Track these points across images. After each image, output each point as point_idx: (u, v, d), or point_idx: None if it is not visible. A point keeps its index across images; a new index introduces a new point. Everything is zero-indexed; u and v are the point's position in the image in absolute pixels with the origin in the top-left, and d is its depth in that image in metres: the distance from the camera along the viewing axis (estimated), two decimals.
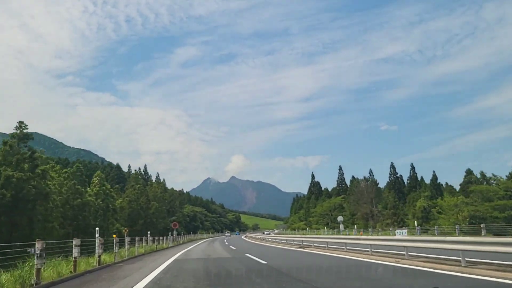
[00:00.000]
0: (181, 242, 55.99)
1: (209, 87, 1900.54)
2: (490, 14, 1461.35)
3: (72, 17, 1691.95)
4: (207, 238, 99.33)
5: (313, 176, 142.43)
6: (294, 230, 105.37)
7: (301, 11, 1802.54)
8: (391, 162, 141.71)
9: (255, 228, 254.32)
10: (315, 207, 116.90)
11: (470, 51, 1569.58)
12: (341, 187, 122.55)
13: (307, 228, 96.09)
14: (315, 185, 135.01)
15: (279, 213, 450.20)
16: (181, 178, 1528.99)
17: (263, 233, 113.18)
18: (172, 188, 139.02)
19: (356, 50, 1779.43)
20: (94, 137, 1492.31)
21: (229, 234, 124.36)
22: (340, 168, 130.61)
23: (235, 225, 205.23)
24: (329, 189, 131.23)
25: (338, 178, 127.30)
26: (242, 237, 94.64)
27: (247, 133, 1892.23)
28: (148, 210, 72.67)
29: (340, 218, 57.95)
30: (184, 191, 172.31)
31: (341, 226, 55.08)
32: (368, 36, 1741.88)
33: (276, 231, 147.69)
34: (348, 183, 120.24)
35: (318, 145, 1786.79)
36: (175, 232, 50.73)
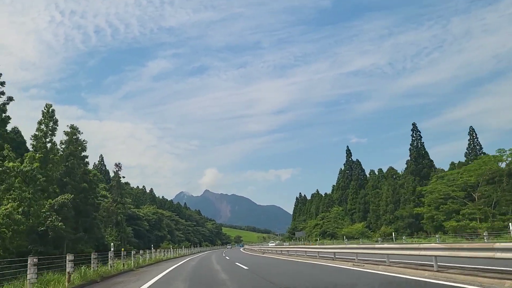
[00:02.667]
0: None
1: (180, 100, 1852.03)
2: (456, 27, 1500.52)
3: (38, 28, 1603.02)
4: (181, 256, 55.21)
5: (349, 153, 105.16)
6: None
7: (272, 24, 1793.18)
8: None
9: (238, 241, 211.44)
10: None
11: (438, 64, 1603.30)
12: None
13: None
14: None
15: (257, 226, 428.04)
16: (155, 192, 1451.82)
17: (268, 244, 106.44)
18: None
19: (326, 63, 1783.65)
20: None
21: (230, 247, 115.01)
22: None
23: (216, 237, 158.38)
24: None
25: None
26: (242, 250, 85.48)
27: (219, 146, 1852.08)
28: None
29: None
30: (147, 190, 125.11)
31: None
32: (339, 49, 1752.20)
33: (275, 243, 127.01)
34: None
35: (290, 158, 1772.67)
36: None
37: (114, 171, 60.79)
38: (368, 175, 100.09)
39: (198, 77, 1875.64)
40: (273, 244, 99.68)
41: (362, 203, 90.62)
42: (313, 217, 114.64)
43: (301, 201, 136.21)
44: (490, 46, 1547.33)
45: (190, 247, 53.43)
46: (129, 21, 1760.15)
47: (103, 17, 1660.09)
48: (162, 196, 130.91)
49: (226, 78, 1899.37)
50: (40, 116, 32.47)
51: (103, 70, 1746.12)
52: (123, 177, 59.71)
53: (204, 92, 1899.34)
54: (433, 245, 11.83)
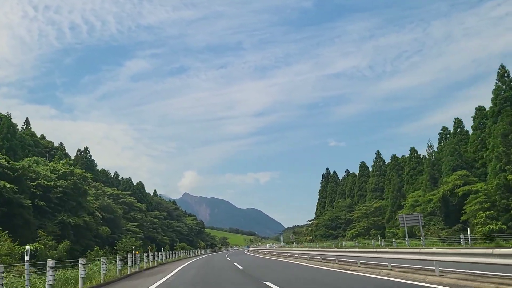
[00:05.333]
0: None
1: (159, 101, 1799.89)
2: (437, 31, 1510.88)
3: (11, 23, 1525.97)
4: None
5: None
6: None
7: (254, 24, 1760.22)
8: None
9: (224, 243, 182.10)
10: None
11: (418, 67, 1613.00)
12: None
13: None
14: None
15: (239, 229, 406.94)
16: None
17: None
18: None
19: (308, 64, 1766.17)
20: None
21: (236, 248, 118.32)
22: None
23: (197, 236, 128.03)
24: None
25: None
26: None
27: (199, 148, 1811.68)
28: None
29: None
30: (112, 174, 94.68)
31: None
32: (321, 51, 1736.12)
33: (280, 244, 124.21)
34: None
35: (269, 161, 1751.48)
36: None
37: None
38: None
39: (177, 77, 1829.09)
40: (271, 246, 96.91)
41: None
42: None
43: (331, 180, 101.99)
44: (469, 50, 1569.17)
45: (148, 253, 29.80)
46: (105, 18, 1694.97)
47: (79, 13, 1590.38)
48: (129, 178, 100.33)
49: (206, 79, 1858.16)
50: None
51: (79, 69, 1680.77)
52: None
53: (184, 92, 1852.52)
54: None
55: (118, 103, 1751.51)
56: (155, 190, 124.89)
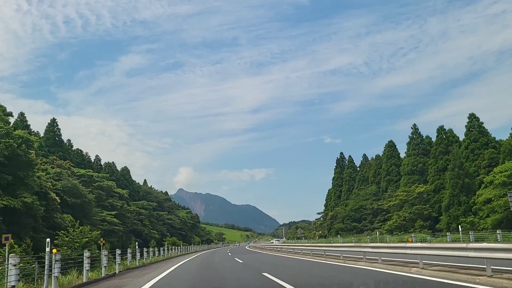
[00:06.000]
0: None
1: (154, 96, 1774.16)
2: (433, 28, 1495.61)
3: (4, 16, 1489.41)
4: None
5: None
6: None
7: (250, 19, 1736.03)
8: None
9: (221, 239, 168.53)
10: None
11: (414, 64, 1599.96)
12: None
13: None
14: None
15: (235, 225, 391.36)
16: None
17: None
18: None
19: (304, 61, 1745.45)
20: None
21: (238, 244, 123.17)
22: None
23: (192, 231, 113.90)
24: None
25: None
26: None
27: (194, 144, 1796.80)
28: None
29: None
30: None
31: None
32: (317, 47, 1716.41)
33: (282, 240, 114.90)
34: None
35: (264, 158, 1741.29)
36: None
37: None
38: None
39: (173, 73, 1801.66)
40: (278, 242, 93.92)
41: None
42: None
43: (348, 166, 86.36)
44: (465, 48, 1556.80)
45: (101, 248, 19.09)
46: (100, 12, 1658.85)
47: (73, 7, 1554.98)
48: (112, 162, 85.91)
49: (201, 74, 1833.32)
50: None
51: (74, 64, 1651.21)
52: None
53: (179, 88, 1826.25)
54: None
55: (113, 98, 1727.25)
56: (145, 180, 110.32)
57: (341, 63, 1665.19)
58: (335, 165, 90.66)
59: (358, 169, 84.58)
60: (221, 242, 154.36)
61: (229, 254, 40.61)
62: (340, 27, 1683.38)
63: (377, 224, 60.61)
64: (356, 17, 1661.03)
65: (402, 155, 64.56)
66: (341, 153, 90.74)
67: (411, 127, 59.49)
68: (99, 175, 61.38)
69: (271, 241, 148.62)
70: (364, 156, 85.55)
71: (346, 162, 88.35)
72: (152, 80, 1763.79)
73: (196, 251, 71.87)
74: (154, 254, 36.93)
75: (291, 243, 65.83)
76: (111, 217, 51.48)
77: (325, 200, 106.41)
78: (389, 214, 53.24)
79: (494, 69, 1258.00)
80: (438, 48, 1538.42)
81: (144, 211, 74.27)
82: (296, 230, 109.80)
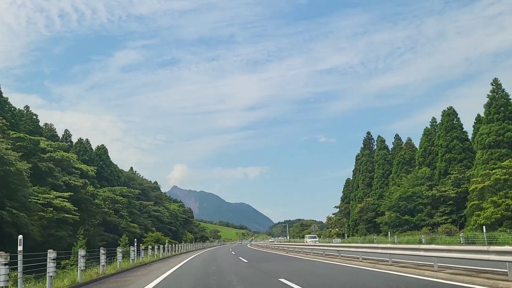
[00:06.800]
0: None
1: (149, 93, 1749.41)
2: (430, 28, 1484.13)
3: None
4: None
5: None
6: None
7: (247, 16, 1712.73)
8: None
9: (216, 236, 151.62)
10: None
11: (410, 65, 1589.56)
12: None
13: None
14: None
15: (229, 222, 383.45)
16: None
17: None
18: None
19: (300, 59, 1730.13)
20: None
21: (240, 242, 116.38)
22: None
23: (184, 227, 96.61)
24: None
25: None
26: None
27: (189, 141, 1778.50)
28: None
29: None
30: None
31: None
32: (313, 46, 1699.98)
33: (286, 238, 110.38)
34: None
35: (259, 155, 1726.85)
36: None
37: None
38: None
39: (168, 69, 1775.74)
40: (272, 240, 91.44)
41: None
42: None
43: (381, 147, 68.07)
44: (462, 49, 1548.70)
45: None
46: (96, 6, 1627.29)
47: (68, 1, 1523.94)
48: (87, 139, 68.47)
49: (197, 71, 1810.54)
50: None
51: (68, 59, 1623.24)
52: None
53: (174, 85, 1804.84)
54: None
55: (108, 94, 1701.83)
56: (131, 167, 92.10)
57: (338, 62, 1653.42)
58: (362, 146, 73.91)
59: (391, 151, 68.17)
60: (217, 240, 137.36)
61: (244, 261, 23.91)
62: (337, 26, 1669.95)
63: (439, 218, 43.99)
64: (353, 16, 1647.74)
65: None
66: (368, 133, 74.17)
67: (491, 83, 42.76)
68: (53, 143, 44.10)
69: (271, 239, 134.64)
70: (397, 137, 68.93)
71: (375, 142, 71.69)
72: (147, 76, 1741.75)
73: (187, 251, 54.88)
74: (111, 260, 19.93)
75: (323, 242, 49.67)
76: (61, 201, 34.20)
77: (342, 192, 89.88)
78: (474, 202, 36.18)
79: (490, 70, 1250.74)
80: (435, 49, 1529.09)
81: (122, 198, 57.04)
82: (310, 227, 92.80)
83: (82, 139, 67.00)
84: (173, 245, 47.84)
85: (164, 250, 39.01)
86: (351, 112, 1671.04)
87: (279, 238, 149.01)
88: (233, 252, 39.75)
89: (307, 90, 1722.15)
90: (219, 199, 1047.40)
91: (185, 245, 60.82)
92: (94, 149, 69.23)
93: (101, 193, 55.12)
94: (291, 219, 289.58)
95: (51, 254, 11.76)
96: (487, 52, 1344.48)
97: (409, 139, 64.01)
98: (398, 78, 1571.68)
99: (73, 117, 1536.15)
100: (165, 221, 76.50)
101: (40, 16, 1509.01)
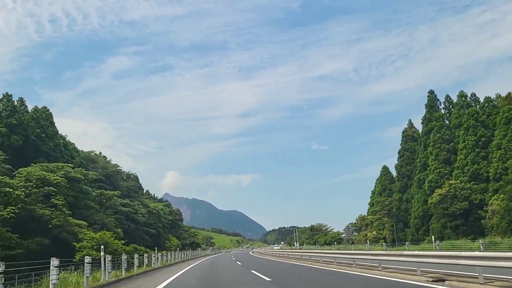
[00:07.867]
0: None
1: (141, 99, 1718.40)
2: (423, 36, 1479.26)
3: None
4: None
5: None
6: None
7: (240, 23, 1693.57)
8: None
9: (209, 243, 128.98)
10: None
11: (403, 72, 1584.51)
12: None
13: None
14: None
15: (223, 230, 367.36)
16: None
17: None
18: None
19: (294, 66, 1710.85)
20: None
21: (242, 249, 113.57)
22: None
23: (170, 231, 73.94)
24: None
25: None
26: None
27: (181, 148, 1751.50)
28: None
29: None
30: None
31: None
32: (307, 52, 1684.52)
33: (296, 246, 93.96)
34: None
35: (252, 163, 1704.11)
36: None
37: None
38: None
39: (161, 75, 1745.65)
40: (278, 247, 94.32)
41: None
42: None
43: (463, 105, 49.12)
44: (454, 56, 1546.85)
45: None
46: (87, 11, 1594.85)
47: (59, 5, 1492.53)
48: (21, 98, 45.68)
49: (190, 78, 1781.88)
50: None
51: (59, 64, 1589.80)
52: None
53: (167, 91, 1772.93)
54: None
55: (99, 100, 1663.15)
56: (100, 152, 68.39)
57: (331, 69, 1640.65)
58: (426, 108, 52.01)
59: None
60: (210, 248, 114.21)
61: None
62: (330, 33, 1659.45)
63: None
64: (346, 23, 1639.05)
65: None
66: (431, 91, 52.47)
67: None
68: None
69: (277, 246, 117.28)
70: (473, 94, 47.68)
71: (442, 104, 50.12)
72: (139, 82, 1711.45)
73: (165, 264, 31.91)
74: None
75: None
76: None
77: (377, 182, 68.58)
78: None
79: (482, 78, 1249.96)
80: (428, 56, 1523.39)
81: (60, 179, 34.25)
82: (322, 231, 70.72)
83: (10, 94, 44.30)
84: (142, 258, 25.45)
85: (105, 266, 16.96)
86: (344, 119, 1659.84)
87: (280, 245, 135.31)
88: (252, 271, 17.82)
89: (300, 97, 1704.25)
90: (212, 207, 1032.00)
91: (165, 257, 37.94)
92: (30, 112, 46.53)
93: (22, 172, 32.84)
94: (287, 226, 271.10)
95: None
96: (481, 60, 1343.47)
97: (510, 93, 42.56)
98: (391, 85, 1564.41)
99: (64, 123, 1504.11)
100: (140, 220, 53.62)
101: (30, 21, 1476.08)
